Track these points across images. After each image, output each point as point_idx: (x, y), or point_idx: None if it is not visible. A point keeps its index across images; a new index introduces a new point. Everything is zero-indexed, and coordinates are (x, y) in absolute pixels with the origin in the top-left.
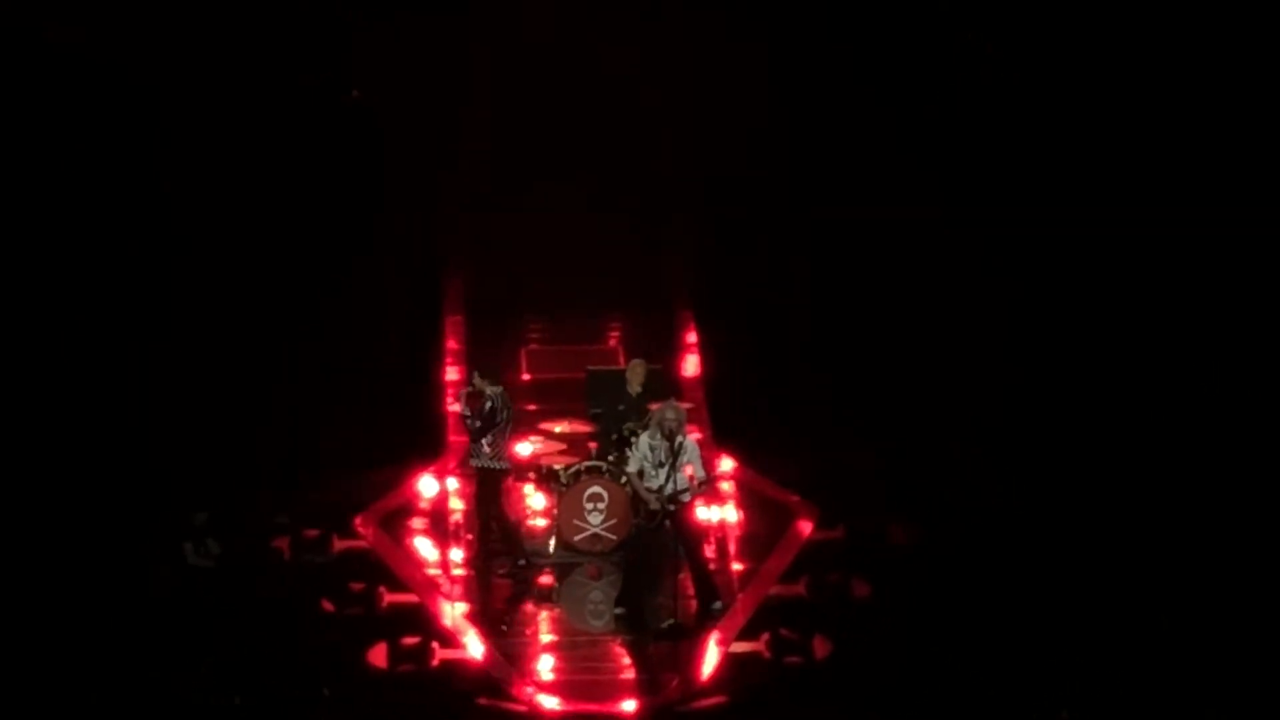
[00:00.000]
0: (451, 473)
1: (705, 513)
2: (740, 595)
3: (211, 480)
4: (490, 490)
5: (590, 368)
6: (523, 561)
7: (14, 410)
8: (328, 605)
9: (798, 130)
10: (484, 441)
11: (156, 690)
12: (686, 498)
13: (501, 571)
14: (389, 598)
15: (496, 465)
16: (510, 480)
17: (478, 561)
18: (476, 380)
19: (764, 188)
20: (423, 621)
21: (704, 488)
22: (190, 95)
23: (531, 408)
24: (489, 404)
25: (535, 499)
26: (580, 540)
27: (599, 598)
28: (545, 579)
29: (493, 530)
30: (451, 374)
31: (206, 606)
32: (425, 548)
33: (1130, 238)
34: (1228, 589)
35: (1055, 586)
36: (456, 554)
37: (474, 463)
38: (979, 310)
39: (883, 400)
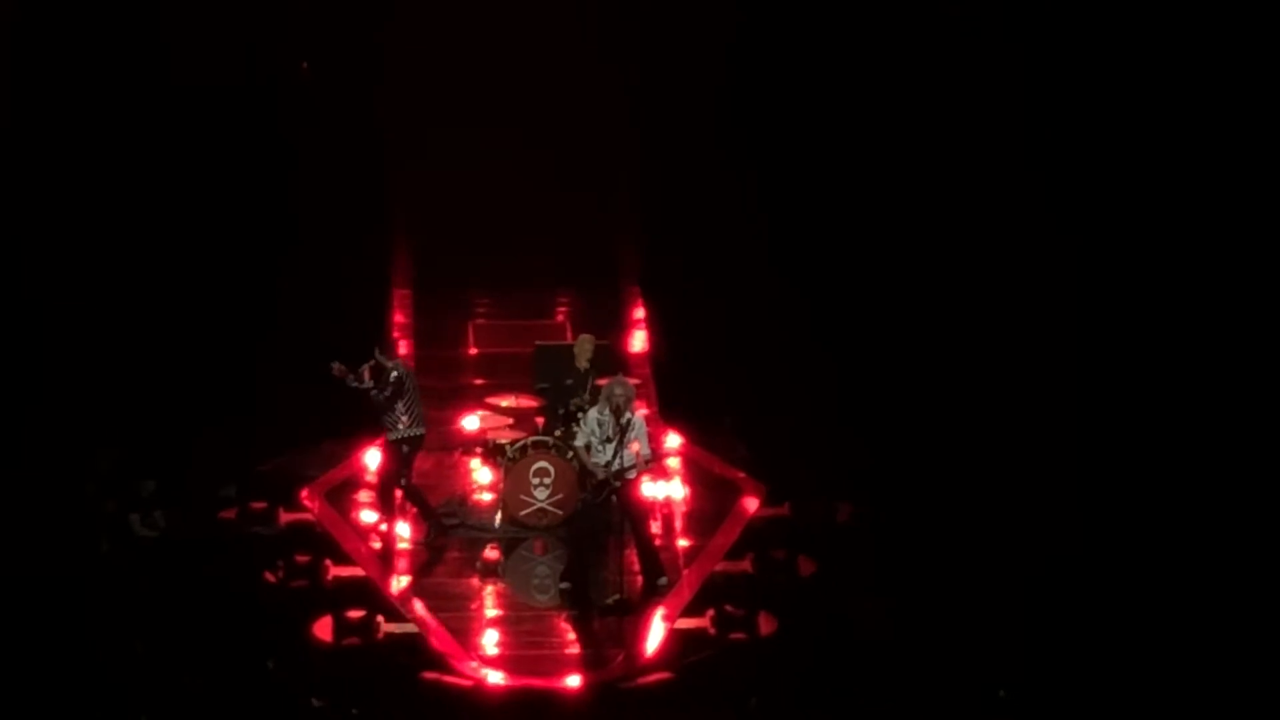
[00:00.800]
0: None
1: (651, 489)
2: (686, 571)
3: (159, 452)
4: (410, 458)
5: (538, 343)
6: (434, 535)
7: None
8: (272, 577)
9: (752, 106)
10: (399, 411)
11: (99, 663)
12: (633, 474)
13: (425, 540)
14: (334, 571)
15: (417, 431)
16: (458, 453)
17: (429, 534)
18: (377, 355)
19: (713, 162)
20: (368, 595)
21: (649, 465)
22: (135, 71)
23: (478, 382)
24: (394, 374)
25: (481, 473)
26: (526, 515)
27: (544, 572)
28: (491, 553)
29: (416, 495)
30: (400, 348)
31: (151, 578)
32: (371, 521)
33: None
34: (1172, 565)
35: (997, 564)
36: (403, 528)
37: (392, 435)
38: (931, 285)
39: (830, 376)
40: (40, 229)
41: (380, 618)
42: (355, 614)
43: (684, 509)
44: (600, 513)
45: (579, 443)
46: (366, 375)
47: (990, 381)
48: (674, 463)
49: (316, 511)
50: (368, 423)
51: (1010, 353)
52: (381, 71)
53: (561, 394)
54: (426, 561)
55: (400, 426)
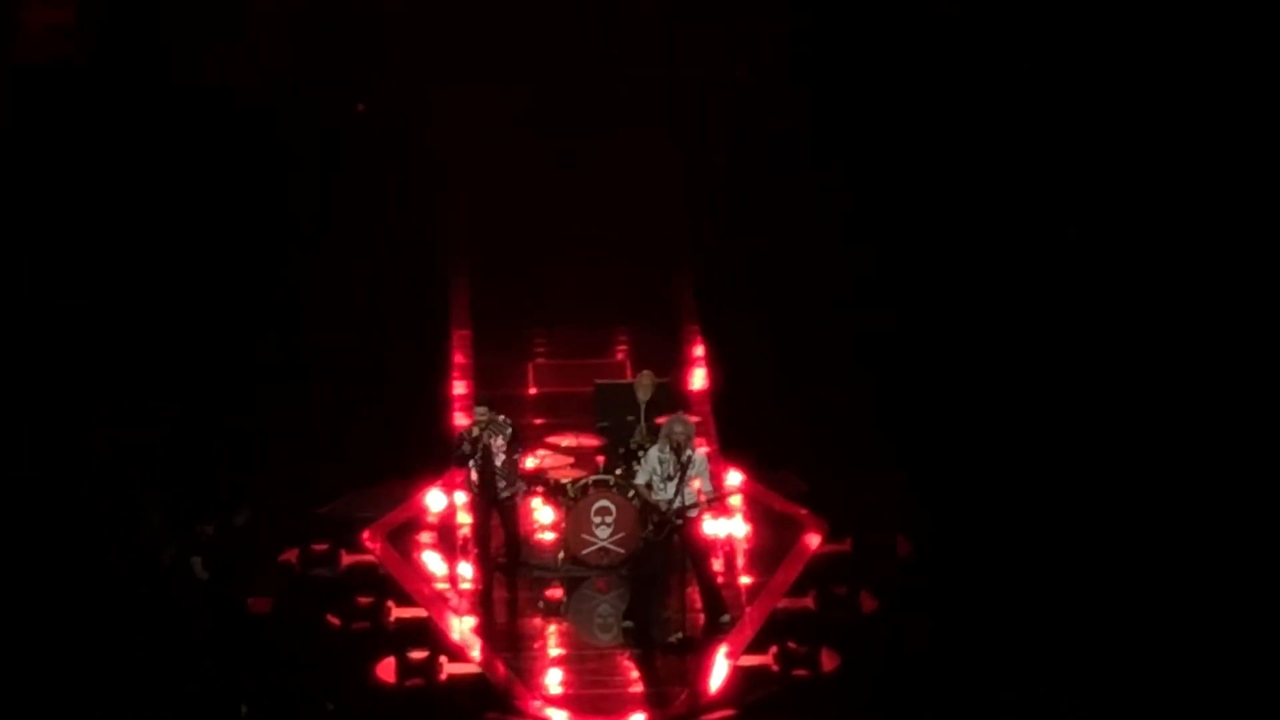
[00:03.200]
0: (459, 487)
1: (713, 526)
2: (748, 608)
3: (219, 495)
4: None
5: (598, 381)
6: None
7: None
8: (335, 620)
9: (812, 133)
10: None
11: (163, 702)
12: (694, 512)
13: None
14: (397, 612)
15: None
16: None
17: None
18: (488, 414)
19: (772, 200)
20: (431, 636)
21: (712, 502)
22: (199, 96)
23: (539, 422)
24: (509, 427)
25: (543, 513)
26: (588, 554)
27: (607, 611)
28: (553, 593)
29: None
30: (459, 388)
31: (213, 619)
32: (433, 562)
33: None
34: (1239, 600)
35: (1063, 600)
36: (465, 568)
37: (513, 489)
38: (990, 319)
39: (891, 412)
40: (106, 261)
41: (443, 658)
42: (418, 655)
43: (746, 546)
44: (662, 551)
45: (640, 480)
46: (507, 441)
47: (1051, 406)
48: (735, 500)
49: (379, 553)
50: (426, 463)
51: (1069, 376)
52: (438, 110)
53: (622, 432)
54: (489, 602)
55: (519, 482)
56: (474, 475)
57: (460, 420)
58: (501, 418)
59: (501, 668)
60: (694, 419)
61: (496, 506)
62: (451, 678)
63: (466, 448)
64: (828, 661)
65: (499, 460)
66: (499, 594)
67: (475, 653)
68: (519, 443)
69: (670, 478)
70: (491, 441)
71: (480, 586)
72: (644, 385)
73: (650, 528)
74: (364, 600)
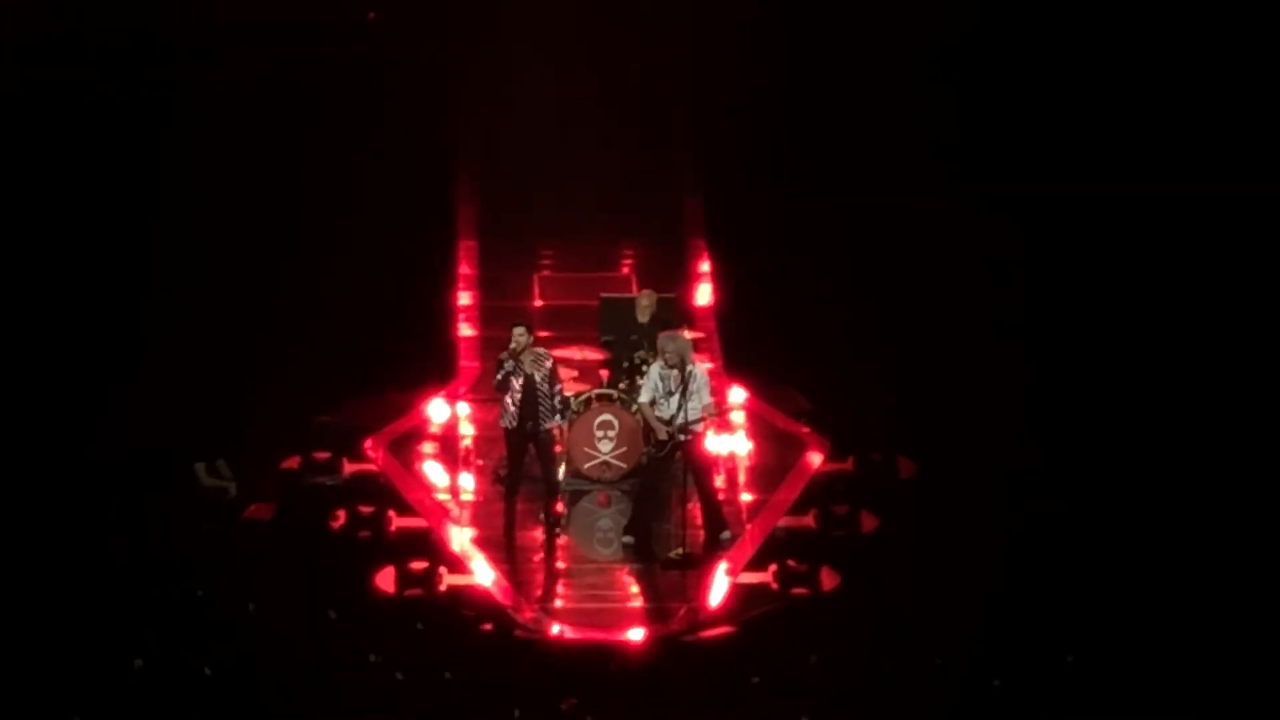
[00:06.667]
0: (462, 397)
1: (715, 443)
2: (749, 526)
3: (223, 406)
4: None
5: (603, 295)
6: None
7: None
8: (335, 528)
9: (813, 57)
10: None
11: (164, 608)
12: (698, 427)
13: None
14: (397, 522)
15: None
16: None
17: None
18: (526, 336)
19: (781, 116)
20: (431, 547)
21: (713, 416)
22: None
23: (544, 334)
24: (550, 362)
25: None
26: (590, 468)
27: (607, 525)
28: (555, 505)
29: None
30: (464, 299)
31: (214, 530)
32: (435, 472)
33: (1137, 213)
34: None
35: (1061, 522)
36: (466, 479)
37: (548, 423)
38: (993, 245)
39: (895, 332)
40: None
41: (442, 569)
42: (418, 565)
43: (748, 463)
44: (664, 466)
45: (643, 398)
46: (538, 374)
47: (1051, 340)
48: (738, 417)
49: (380, 462)
50: (430, 373)
51: (1066, 315)
52: (451, 25)
53: (627, 347)
54: (489, 513)
55: (556, 413)
56: (511, 406)
57: (465, 330)
58: (541, 350)
59: (501, 580)
60: (698, 335)
61: (534, 439)
62: (450, 589)
63: (510, 365)
64: (827, 580)
65: (542, 390)
66: (499, 506)
67: (475, 564)
68: (557, 376)
69: (671, 393)
70: (534, 373)
71: (506, 517)
72: (644, 305)
73: (653, 443)
74: (365, 509)
